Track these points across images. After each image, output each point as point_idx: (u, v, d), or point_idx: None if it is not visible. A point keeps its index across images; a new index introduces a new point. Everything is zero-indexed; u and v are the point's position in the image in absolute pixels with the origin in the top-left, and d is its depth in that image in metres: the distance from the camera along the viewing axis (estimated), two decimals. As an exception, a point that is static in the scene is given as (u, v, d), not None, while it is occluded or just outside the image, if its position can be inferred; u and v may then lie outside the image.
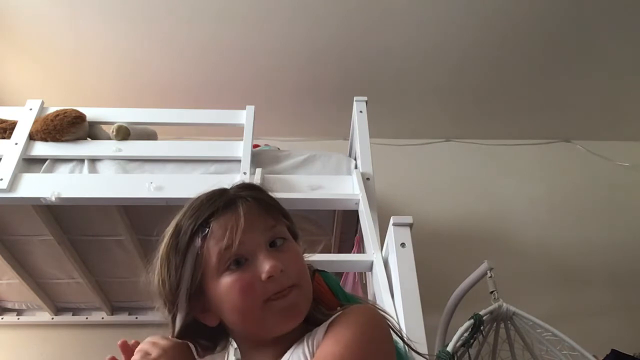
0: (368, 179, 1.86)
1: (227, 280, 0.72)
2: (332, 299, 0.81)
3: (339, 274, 1.88)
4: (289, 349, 0.73)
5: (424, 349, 1.13)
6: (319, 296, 0.80)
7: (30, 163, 1.90)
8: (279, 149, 2.36)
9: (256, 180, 1.79)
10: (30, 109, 2.01)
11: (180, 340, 0.75)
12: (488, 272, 1.99)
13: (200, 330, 0.77)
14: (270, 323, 0.72)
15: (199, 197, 0.80)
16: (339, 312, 0.74)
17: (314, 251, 0.88)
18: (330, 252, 2.13)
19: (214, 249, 0.73)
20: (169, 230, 0.78)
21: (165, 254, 0.76)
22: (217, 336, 0.81)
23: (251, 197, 0.78)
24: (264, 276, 0.71)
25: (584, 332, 2.13)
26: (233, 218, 0.74)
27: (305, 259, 0.81)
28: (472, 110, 3.01)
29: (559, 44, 2.62)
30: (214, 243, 0.73)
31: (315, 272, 0.82)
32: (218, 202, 0.77)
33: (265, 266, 0.71)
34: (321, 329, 0.72)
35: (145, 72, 2.74)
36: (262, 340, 0.76)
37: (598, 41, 2.60)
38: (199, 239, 0.74)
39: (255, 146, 2.15)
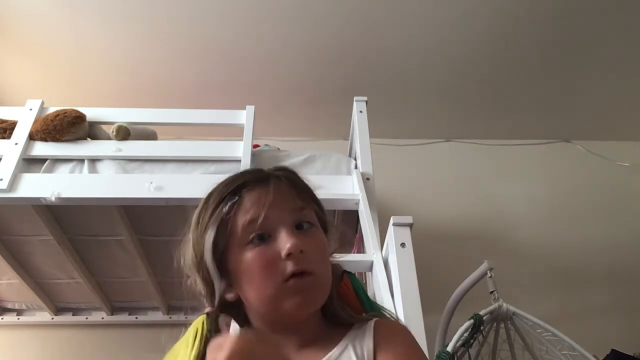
0: (368, 179, 1.86)
1: (249, 254, 0.72)
2: (356, 302, 0.82)
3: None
4: (310, 343, 0.74)
5: (424, 349, 1.13)
6: (344, 297, 0.80)
7: (30, 163, 1.90)
8: (279, 149, 2.36)
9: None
10: (30, 109, 2.01)
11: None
12: (488, 272, 1.99)
13: (229, 308, 0.77)
14: (285, 304, 0.72)
15: (235, 172, 0.82)
16: (376, 320, 0.76)
17: (346, 251, 0.89)
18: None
19: (240, 220, 0.73)
20: (203, 198, 0.80)
21: (196, 220, 0.78)
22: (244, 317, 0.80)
23: (285, 176, 0.79)
24: (283, 253, 0.71)
25: (584, 332, 2.13)
26: (263, 192, 0.75)
27: (334, 259, 0.81)
28: (472, 110, 3.01)
29: (559, 44, 2.62)
30: (241, 214, 0.74)
31: (344, 273, 0.82)
32: (251, 175, 0.79)
33: (287, 244, 0.71)
34: (367, 337, 0.73)
35: (145, 72, 2.74)
36: (279, 325, 0.76)
37: (598, 41, 2.59)
38: (227, 206, 0.74)
39: (255, 146, 2.15)
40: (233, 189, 0.76)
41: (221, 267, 0.75)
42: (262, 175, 0.79)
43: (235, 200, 0.75)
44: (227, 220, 0.74)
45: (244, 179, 0.77)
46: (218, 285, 0.75)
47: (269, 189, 0.75)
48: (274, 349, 0.69)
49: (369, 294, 1.53)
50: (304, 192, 0.80)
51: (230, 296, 0.76)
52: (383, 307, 0.88)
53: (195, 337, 0.76)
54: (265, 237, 0.73)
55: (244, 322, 0.79)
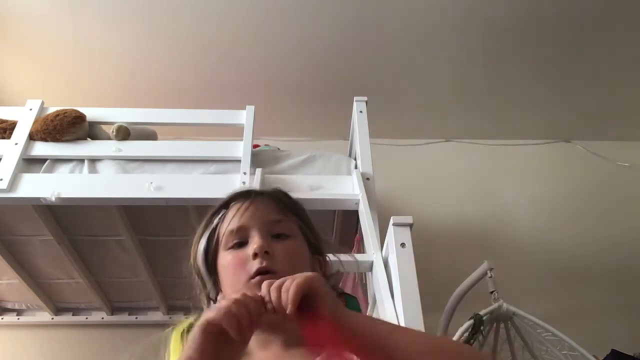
0: (368, 179, 1.86)
1: (227, 257, 0.82)
2: None
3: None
4: (297, 344, 0.75)
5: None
6: None
7: (30, 163, 1.90)
8: (279, 149, 2.36)
9: (256, 180, 1.79)
10: (30, 109, 2.01)
11: None
12: (488, 272, 1.99)
13: None
14: None
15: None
16: None
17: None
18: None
19: (223, 228, 0.84)
20: None
21: (198, 232, 0.89)
22: None
23: (268, 193, 0.89)
24: (250, 253, 0.78)
25: (584, 332, 2.13)
26: (243, 205, 0.85)
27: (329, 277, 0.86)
28: (472, 110, 3.01)
29: (558, 43, 2.62)
30: (225, 224, 0.84)
31: (341, 295, 0.88)
32: (241, 192, 0.90)
33: (254, 245, 0.79)
34: None
35: (145, 72, 2.74)
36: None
37: (598, 41, 2.59)
38: (217, 218, 0.86)
39: (255, 146, 2.15)
40: (223, 203, 0.88)
41: (213, 272, 0.85)
42: (248, 191, 0.90)
43: (222, 213, 0.86)
44: (215, 230, 0.85)
45: (233, 195, 0.89)
46: (207, 286, 0.84)
47: (249, 202, 0.85)
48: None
49: (369, 294, 1.54)
50: (285, 207, 0.87)
51: (220, 298, 0.83)
52: None
53: (183, 341, 0.80)
54: (242, 243, 0.81)
55: None
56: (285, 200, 0.89)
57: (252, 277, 0.77)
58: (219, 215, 0.86)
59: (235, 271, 0.79)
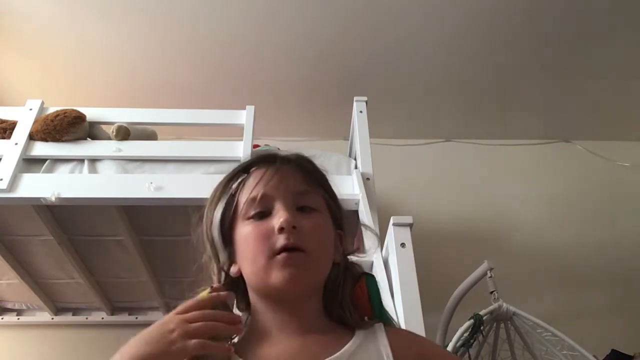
0: (368, 179, 1.86)
1: (247, 228, 0.75)
2: (366, 306, 0.81)
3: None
4: (314, 331, 0.74)
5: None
6: (354, 298, 0.80)
7: (30, 163, 1.90)
8: (279, 149, 2.36)
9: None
10: (30, 109, 2.01)
11: (215, 294, 0.73)
12: (488, 272, 1.99)
13: (235, 287, 0.78)
14: (272, 277, 0.72)
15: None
16: (386, 326, 0.76)
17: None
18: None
19: (244, 196, 0.76)
20: None
21: (210, 196, 0.81)
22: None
23: (295, 160, 0.81)
24: (276, 227, 0.72)
25: (584, 332, 2.13)
26: (268, 172, 0.77)
27: (355, 257, 0.82)
28: (472, 110, 3.01)
29: (559, 44, 2.62)
30: (245, 191, 0.77)
31: (362, 275, 0.82)
32: (263, 156, 0.82)
33: (280, 218, 0.73)
34: (381, 337, 0.73)
35: (145, 72, 2.74)
36: (274, 303, 0.76)
37: (599, 41, 2.59)
38: (236, 183, 0.78)
39: (255, 146, 2.15)
40: (244, 167, 0.80)
41: (228, 242, 0.78)
42: (272, 156, 0.81)
43: (243, 177, 0.79)
44: (234, 196, 0.77)
45: (255, 159, 0.81)
46: (222, 257, 0.77)
47: (274, 169, 0.77)
48: None
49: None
50: (312, 177, 0.81)
51: (234, 271, 0.77)
52: (392, 317, 0.87)
53: None
54: (265, 214, 0.75)
55: (247, 304, 0.80)
56: (312, 170, 0.82)
57: (277, 254, 0.72)
58: (239, 181, 0.79)
59: (257, 245, 0.73)
